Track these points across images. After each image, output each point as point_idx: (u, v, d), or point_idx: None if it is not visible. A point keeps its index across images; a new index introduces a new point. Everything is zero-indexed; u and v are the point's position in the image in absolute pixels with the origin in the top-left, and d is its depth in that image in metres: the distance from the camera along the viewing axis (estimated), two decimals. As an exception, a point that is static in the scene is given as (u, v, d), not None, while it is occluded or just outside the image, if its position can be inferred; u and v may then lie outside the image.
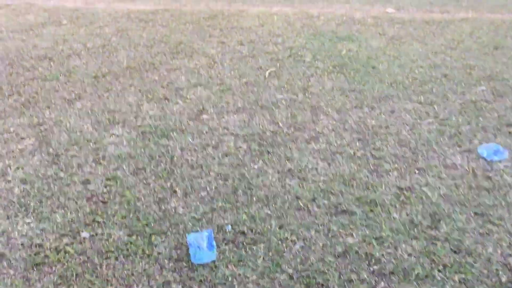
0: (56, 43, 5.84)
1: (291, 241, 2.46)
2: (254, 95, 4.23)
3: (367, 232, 2.51)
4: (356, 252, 2.38)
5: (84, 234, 2.50)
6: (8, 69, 5.01)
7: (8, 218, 2.64)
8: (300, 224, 2.58)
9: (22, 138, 3.51)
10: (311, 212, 2.68)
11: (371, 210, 2.68)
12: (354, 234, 2.50)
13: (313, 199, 2.79)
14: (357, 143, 3.40)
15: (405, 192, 2.83)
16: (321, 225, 2.57)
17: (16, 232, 2.52)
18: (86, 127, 3.67)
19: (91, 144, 3.41)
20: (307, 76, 4.64)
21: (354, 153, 3.27)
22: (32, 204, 2.74)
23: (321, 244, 2.43)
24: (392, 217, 2.62)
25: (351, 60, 5.02)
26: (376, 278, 2.24)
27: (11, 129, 3.65)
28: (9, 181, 2.98)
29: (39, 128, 3.67)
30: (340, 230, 2.53)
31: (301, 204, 2.75)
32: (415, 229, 2.53)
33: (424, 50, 5.32)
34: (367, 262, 2.33)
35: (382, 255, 2.37)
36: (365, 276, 2.25)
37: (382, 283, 2.22)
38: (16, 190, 2.87)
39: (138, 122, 3.74)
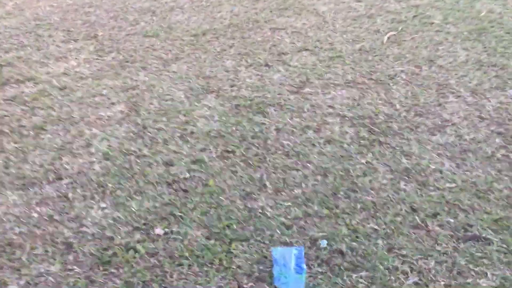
0: (163, -5, 5.58)
1: (403, 272, 1.94)
2: (368, 65, 3.60)
3: (508, 274, 1.90)
4: (491, 302, 1.81)
5: (158, 230, 2.21)
6: (111, 22, 4.86)
7: (84, 199, 2.43)
8: (415, 249, 2.04)
9: (113, 104, 3.29)
10: (431, 233, 2.12)
11: (514, 241, 2.04)
12: (489, 274, 1.91)
13: (435, 215, 2.20)
14: (497, 140, 2.68)
15: None
16: (443, 254, 2.01)
17: (89, 219, 2.30)
18: (178, 94, 3.36)
19: (180, 116, 3.10)
20: (435, 44, 3.86)
21: (492, 153, 2.58)
22: (110, 185, 2.50)
23: (442, 283, 1.88)
24: (544, 255, 1.97)
25: (493, 25, 4.10)
26: None
27: (104, 92, 3.46)
28: (92, 154, 2.77)
29: (131, 92, 3.43)
30: (470, 266, 1.94)
31: (418, 220, 2.19)
32: None
33: None
34: (505, 317, 1.76)
35: (528, 310, 1.77)
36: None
37: None
38: (97, 166, 2.66)
39: (234, 93, 3.34)
